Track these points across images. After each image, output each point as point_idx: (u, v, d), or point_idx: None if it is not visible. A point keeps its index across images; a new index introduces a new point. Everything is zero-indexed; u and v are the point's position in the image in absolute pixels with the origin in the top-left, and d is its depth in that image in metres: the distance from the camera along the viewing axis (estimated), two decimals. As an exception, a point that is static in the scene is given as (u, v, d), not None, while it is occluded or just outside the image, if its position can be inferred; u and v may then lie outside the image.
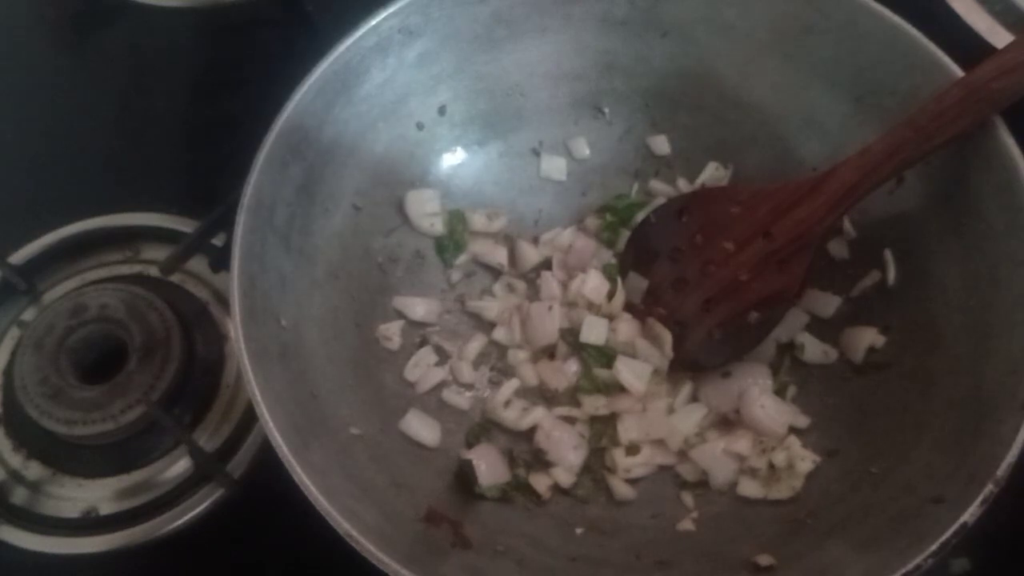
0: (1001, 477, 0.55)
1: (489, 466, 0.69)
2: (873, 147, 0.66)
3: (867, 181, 0.66)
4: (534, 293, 0.78)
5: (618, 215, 0.79)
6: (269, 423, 0.58)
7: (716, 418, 0.72)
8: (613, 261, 0.78)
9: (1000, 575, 0.71)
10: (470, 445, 0.72)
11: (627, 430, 0.72)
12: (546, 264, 0.79)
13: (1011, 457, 0.55)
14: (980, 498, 0.54)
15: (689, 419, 0.72)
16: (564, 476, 0.71)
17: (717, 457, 0.69)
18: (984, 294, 0.64)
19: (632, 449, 0.71)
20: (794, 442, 0.69)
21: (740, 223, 0.71)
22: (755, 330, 0.71)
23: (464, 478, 0.69)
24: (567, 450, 0.71)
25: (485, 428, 0.74)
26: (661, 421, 0.72)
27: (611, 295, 0.76)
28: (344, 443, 0.65)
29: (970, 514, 0.54)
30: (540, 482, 0.70)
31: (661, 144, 0.81)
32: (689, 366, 0.73)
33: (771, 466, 0.69)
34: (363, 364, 0.72)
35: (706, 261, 0.73)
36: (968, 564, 0.69)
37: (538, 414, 0.73)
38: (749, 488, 0.69)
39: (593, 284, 0.76)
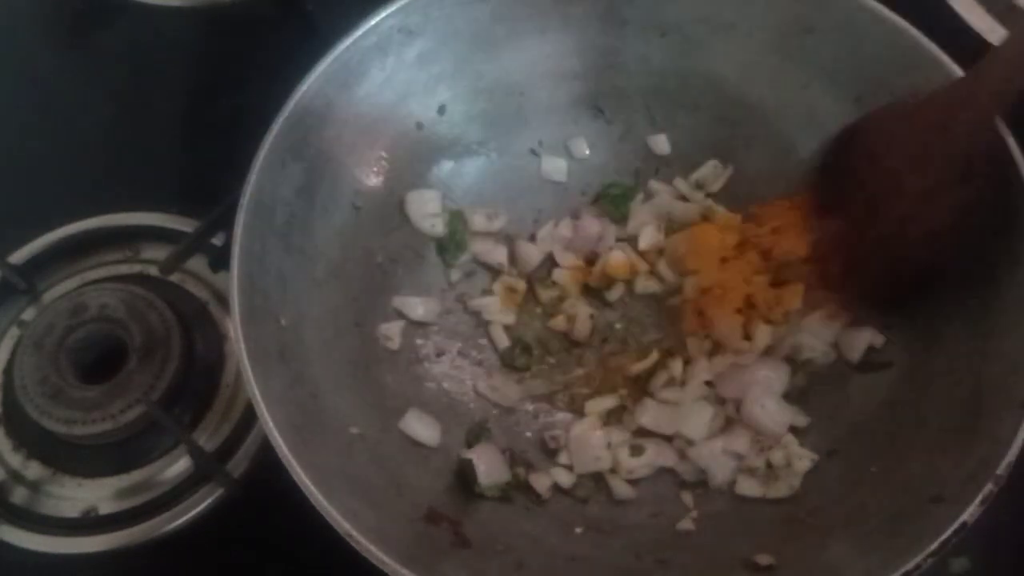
0: (1001, 476, 0.55)
1: (489, 466, 0.69)
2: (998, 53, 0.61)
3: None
4: (534, 295, 0.78)
5: (612, 202, 0.80)
6: (269, 423, 0.58)
7: (723, 420, 0.72)
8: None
9: (1000, 575, 0.71)
10: (470, 445, 0.72)
11: (643, 415, 0.72)
12: (547, 263, 0.79)
13: (1011, 456, 0.55)
14: (980, 497, 0.55)
15: (700, 416, 0.71)
16: (564, 476, 0.71)
17: (716, 456, 0.69)
18: (984, 294, 0.64)
19: (637, 450, 0.71)
20: (791, 441, 0.69)
21: (916, 147, 0.66)
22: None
23: (464, 478, 0.69)
24: (588, 456, 0.71)
25: (485, 428, 0.74)
26: (674, 413, 0.72)
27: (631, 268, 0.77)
28: (344, 443, 0.65)
29: (970, 514, 0.54)
30: (540, 482, 0.70)
31: (661, 144, 0.81)
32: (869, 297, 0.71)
33: (769, 465, 0.69)
34: (363, 364, 0.72)
35: (885, 194, 0.68)
36: (968, 564, 0.69)
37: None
38: (747, 487, 0.69)
39: (616, 261, 0.77)
